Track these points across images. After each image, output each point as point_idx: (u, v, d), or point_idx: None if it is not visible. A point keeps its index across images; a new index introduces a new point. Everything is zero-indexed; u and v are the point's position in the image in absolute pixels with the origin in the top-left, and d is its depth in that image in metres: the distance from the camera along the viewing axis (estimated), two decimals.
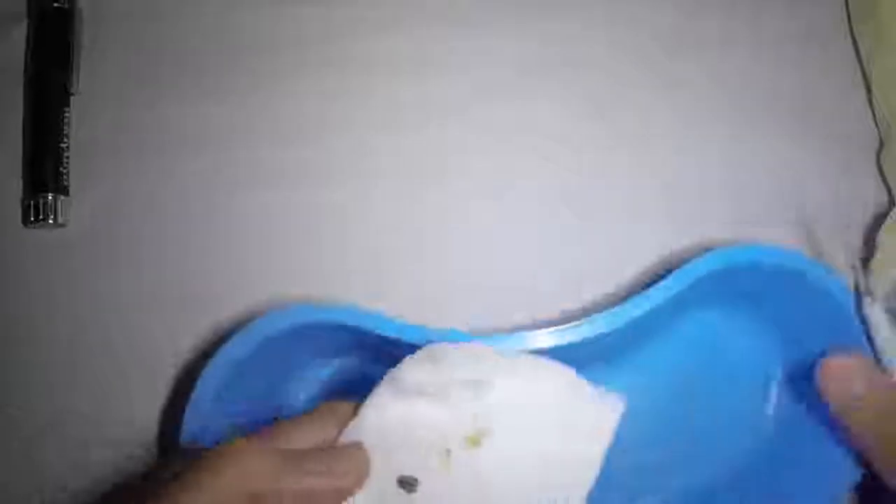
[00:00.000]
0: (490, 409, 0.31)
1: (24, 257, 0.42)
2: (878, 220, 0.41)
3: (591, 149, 0.43)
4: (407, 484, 0.30)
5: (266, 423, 0.31)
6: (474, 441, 0.31)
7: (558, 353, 0.33)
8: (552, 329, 0.35)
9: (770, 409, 0.39)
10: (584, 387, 0.32)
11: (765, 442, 0.39)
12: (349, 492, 0.29)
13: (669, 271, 0.36)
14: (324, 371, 0.39)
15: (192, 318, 0.40)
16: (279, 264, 0.41)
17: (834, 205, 0.42)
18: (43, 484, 0.39)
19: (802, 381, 0.38)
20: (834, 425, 0.36)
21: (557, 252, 0.42)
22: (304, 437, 0.30)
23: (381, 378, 0.32)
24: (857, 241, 0.41)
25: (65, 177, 0.42)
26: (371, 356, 0.38)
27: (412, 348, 0.35)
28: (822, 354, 0.37)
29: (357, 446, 0.30)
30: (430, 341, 0.35)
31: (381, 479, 0.30)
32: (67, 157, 0.42)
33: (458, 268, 0.41)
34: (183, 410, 0.35)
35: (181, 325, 0.40)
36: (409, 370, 0.31)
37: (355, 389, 0.33)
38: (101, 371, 0.40)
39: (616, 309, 0.35)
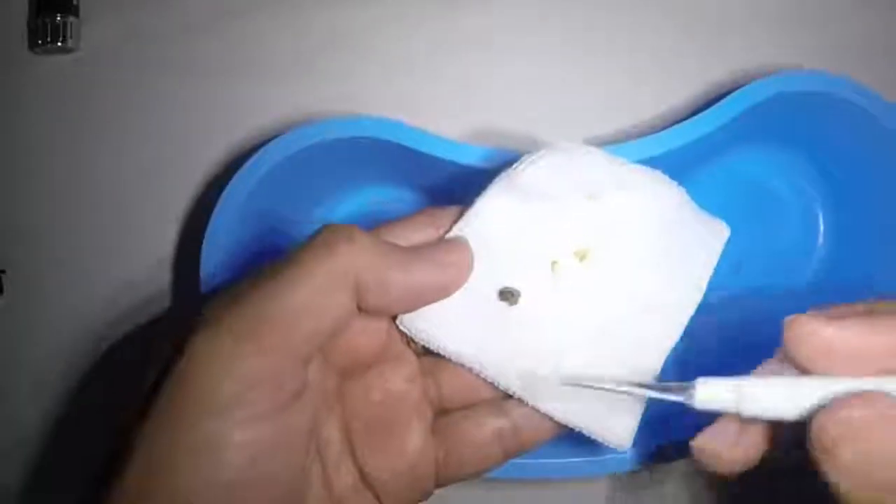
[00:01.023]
0: (600, 223, 0.29)
1: (32, 84, 0.39)
2: None
3: None
4: (509, 295, 0.28)
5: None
6: (582, 256, 0.29)
7: None
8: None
9: (818, 245, 0.38)
10: (692, 207, 0.31)
11: (811, 282, 0.38)
12: (454, 285, 0.28)
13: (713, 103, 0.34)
14: (348, 204, 0.38)
15: (211, 144, 0.38)
16: (302, 87, 0.39)
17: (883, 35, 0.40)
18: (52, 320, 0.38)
19: (852, 221, 0.37)
20: (886, 269, 0.35)
21: (596, 78, 0.40)
22: (406, 237, 0.28)
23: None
24: None
25: None
26: (404, 181, 0.37)
27: (448, 168, 0.34)
28: (875, 196, 0.36)
29: (461, 240, 0.28)
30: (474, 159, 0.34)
31: (481, 288, 0.28)
32: None
33: (494, 90, 0.39)
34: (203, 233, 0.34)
35: (200, 152, 0.38)
36: (525, 170, 0.29)
37: None
38: (112, 203, 0.39)
39: (663, 133, 0.34)
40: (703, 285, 0.30)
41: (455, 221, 0.29)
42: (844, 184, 0.37)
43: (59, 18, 0.39)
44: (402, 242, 0.28)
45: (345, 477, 0.27)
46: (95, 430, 0.36)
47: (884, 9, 0.40)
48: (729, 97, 0.34)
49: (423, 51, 0.39)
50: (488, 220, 0.29)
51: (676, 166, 0.35)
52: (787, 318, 0.23)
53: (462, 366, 0.28)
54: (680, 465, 0.37)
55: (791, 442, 0.23)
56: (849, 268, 0.37)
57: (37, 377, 0.38)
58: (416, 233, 0.28)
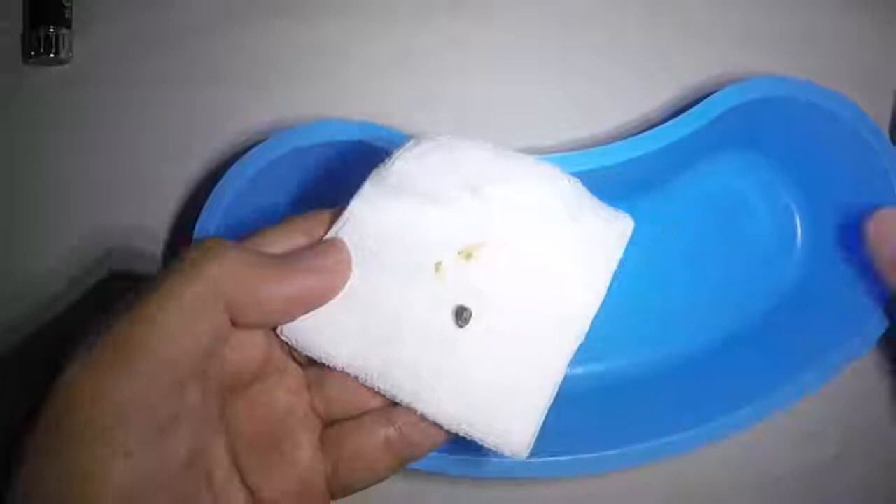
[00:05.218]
0: (486, 219, 0.27)
1: (25, 96, 0.40)
2: None
3: None
4: (462, 311, 0.27)
5: None
6: (468, 255, 0.27)
7: None
8: (562, 154, 0.33)
9: (795, 255, 0.38)
10: (591, 200, 0.29)
11: (790, 289, 0.38)
12: (331, 291, 0.26)
13: (685, 109, 0.35)
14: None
15: (201, 149, 0.39)
16: (288, 96, 0.40)
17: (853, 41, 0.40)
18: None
19: (828, 225, 0.37)
20: (865, 272, 0.35)
21: (569, 83, 0.40)
22: (280, 245, 0.27)
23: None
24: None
25: (68, 9, 0.40)
26: None
27: None
28: (849, 199, 0.36)
29: (336, 242, 0.27)
30: None
31: (362, 293, 0.27)
32: None
33: (471, 96, 0.40)
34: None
35: (190, 157, 0.39)
36: (399, 165, 0.27)
37: None
38: (104, 208, 0.40)
39: (634, 139, 0.34)
40: (606, 283, 0.28)
41: (331, 224, 0.27)
42: (818, 186, 0.37)
43: (52, 30, 0.40)
44: (276, 250, 0.26)
45: (235, 501, 0.26)
46: None
47: (856, 15, 0.40)
48: (701, 103, 0.34)
49: (398, 59, 0.40)
50: (363, 221, 0.27)
51: (649, 173, 0.36)
52: (878, 213, 0.31)
53: (347, 375, 0.27)
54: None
55: None
56: (828, 269, 0.37)
57: None
58: (291, 238, 0.27)
